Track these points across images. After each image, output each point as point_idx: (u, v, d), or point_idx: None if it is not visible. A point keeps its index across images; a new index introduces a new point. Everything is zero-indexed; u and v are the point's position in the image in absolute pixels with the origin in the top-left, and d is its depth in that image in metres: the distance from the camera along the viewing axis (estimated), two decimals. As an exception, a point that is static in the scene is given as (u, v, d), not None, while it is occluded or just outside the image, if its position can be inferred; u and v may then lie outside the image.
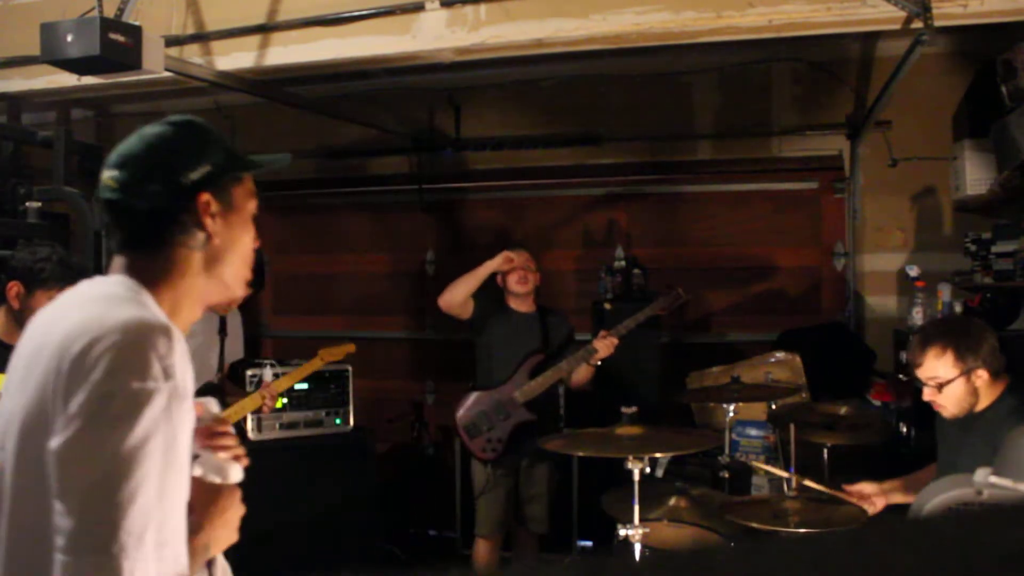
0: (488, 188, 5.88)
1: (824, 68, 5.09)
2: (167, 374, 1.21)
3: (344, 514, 4.33)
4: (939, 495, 1.52)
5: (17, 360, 1.34)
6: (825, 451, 3.40)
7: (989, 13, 3.04)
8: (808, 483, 2.98)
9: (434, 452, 5.64)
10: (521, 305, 4.18)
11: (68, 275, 2.62)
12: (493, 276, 4.16)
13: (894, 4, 3.03)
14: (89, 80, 3.70)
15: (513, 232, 5.85)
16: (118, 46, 3.04)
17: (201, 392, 3.67)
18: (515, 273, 4.11)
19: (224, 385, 3.78)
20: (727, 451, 3.93)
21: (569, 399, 4.95)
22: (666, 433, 3.26)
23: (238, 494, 1.46)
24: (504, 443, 4.04)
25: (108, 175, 1.38)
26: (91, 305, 1.29)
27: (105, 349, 1.18)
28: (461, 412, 4.11)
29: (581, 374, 4.11)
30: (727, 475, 3.82)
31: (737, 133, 5.35)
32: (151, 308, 1.32)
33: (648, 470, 2.97)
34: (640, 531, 2.86)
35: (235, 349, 3.74)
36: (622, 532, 2.88)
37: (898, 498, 2.91)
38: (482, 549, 4.13)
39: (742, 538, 3.02)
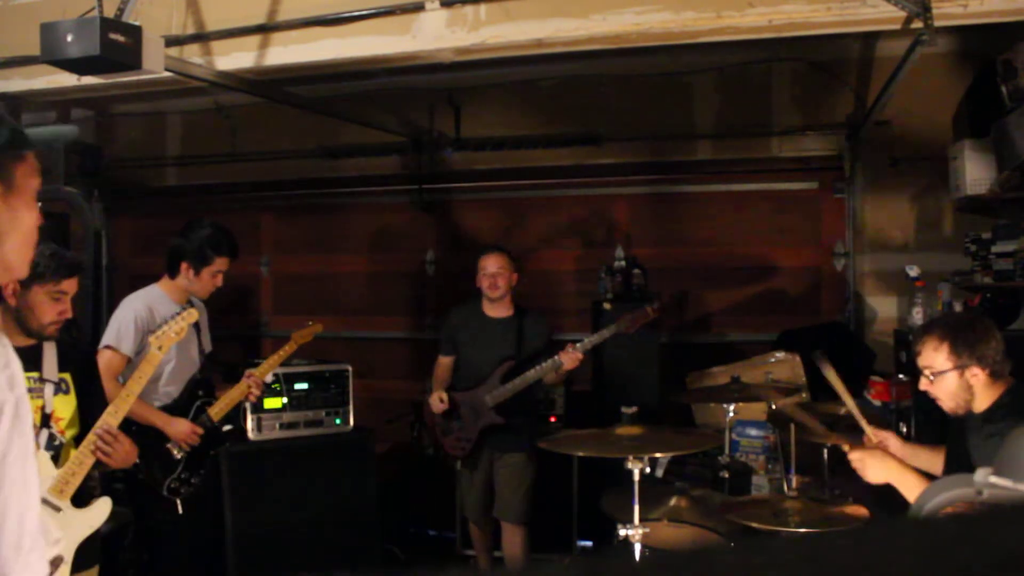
0: (488, 188, 5.88)
1: (824, 68, 5.09)
2: (11, 384, 1.19)
3: (344, 514, 4.33)
4: (939, 495, 1.51)
5: None
6: (825, 451, 3.40)
7: (989, 13, 3.04)
8: (851, 406, 2.89)
9: (434, 452, 5.63)
10: (496, 310, 4.28)
11: (63, 268, 2.62)
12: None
13: (894, 4, 3.03)
14: (89, 80, 3.70)
15: (513, 232, 5.85)
16: (118, 46, 3.04)
17: (190, 387, 3.68)
18: (484, 279, 4.21)
19: (213, 378, 3.78)
20: (727, 451, 3.93)
21: (569, 399, 4.97)
22: (666, 433, 3.26)
23: None
24: (473, 442, 4.23)
25: None
26: None
27: None
28: (435, 415, 4.33)
29: (551, 379, 4.26)
30: (727, 475, 3.82)
31: (737, 133, 5.35)
32: None
33: (648, 470, 2.97)
34: (640, 531, 2.86)
35: (206, 342, 3.76)
36: (622, 532, 2.87)
37: (920, 461, 2.80)
38: (474, 533, 4.51)
39: (742, 538, 3.02)
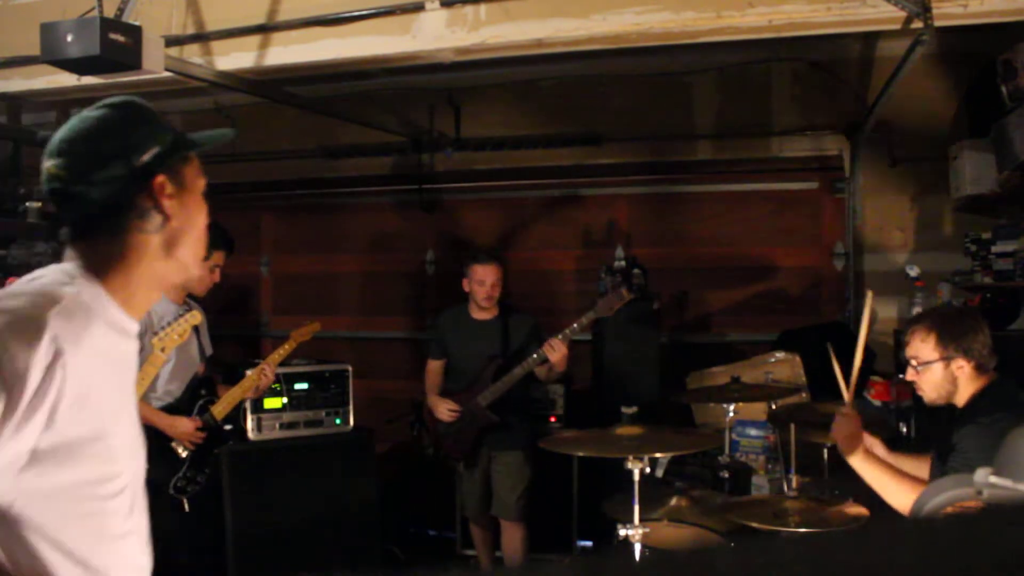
0: (488, 188, 5.88)
1: (824, 68, 5.09)
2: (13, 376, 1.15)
3: (344, 514, 4.33)
4: (939, 495, 1.52)
5: None
6: (825, 451, 3.40)
7: (989, 13, 3.04)
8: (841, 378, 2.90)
9: (434, 452, 5.63)
10: (482, 313, 4.34)
11: None
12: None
13: (894, 4, 3.03)
14: (89, 80, 3.70)
15: (513, 232, 5.85)
16: (118, 46, 3.04)
17: (193, 385, 3.68)
18: (481, 291, 4.24)
19: (213, 377, 3.79)
20: (727, 451, 3.93)
21: (569, 399, 4.97)
22: (666, 433, 3.26)
23: None
24: (470, 443, 4.31)
25: (51, 164, 1.31)
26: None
27: None
28: (433, 417, 4.40)
29: (544, 375, 4.26)
30: (727, 475, 3.82)
31: (737, 133, 5.35)
32: (84, 293, 1.27)
33: (648, 470, 2.97)
34: (640, 531, 2.86)
35: (206, 344, 3.77)
36: (622, 532, 2.87)
37: (904, 465, 2.80)
38: (475, 532, 4.57)
39: (742, 538, 3.02)
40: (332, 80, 4.99)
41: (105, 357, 1.27)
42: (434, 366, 4.46)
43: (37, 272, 1.34)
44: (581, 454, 3.63)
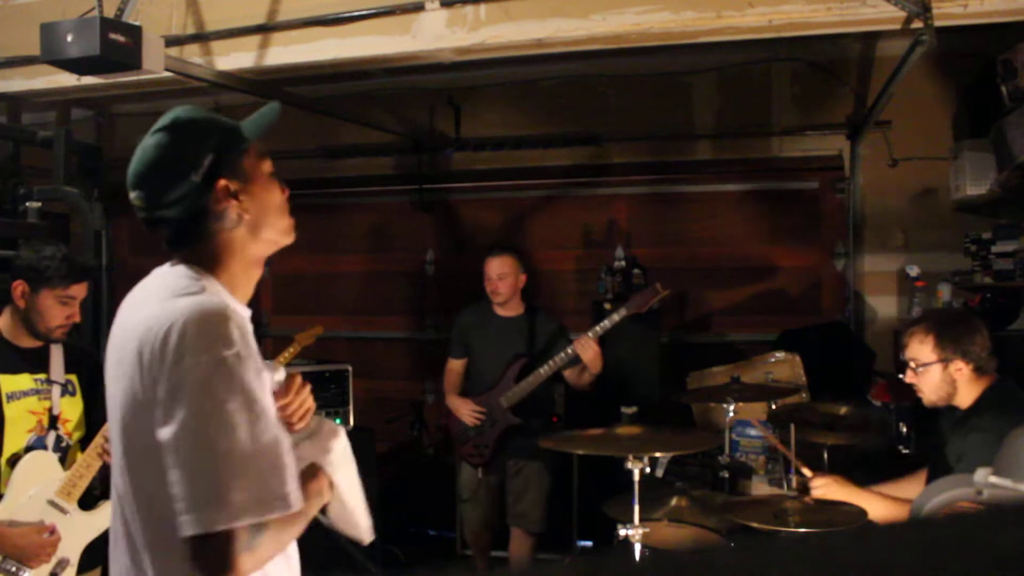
0: (488, 188, 5.88)
1: (824, 68, 5.09)
2: (227, 344, 1.34)
3: (344, 514, 4.32)
4: (939, 495, 1.52)
5: (110, 351, 1.49)
6: (825, 451, 3.39)
7: (989, 13, 3.04)
8: (789, 456, 2.99)
9: (434, 452, 5.64)
10: (505, 310, 4.16)
11: (73, 273, 2.60)
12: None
13: (894, 4, 3.03)
14: (89, 80, 3.70)
15: (513, 232, 5.85)
16: (118, 46, 3.04)
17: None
18: (488, 285, 4.09)
19: None
20: (727, 451, 3.93)
21: (569, 399, 4.96)
22: (666, 433, 3.25)
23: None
24: (491, 448, 4.10)
25: (132, 196, 1.49)
26: (162, 296, 1.42)
27: (176, 335, 1.33)
28: (452, 419, 4.22)
29: (576, 377, 4.06)
30: (727, 475, 3.81)
31: (737, 133, 5.35)
32: (212, 290, 1.45)
33: (648, 470, 2.96)
34: (640, 531, 2.86)
35: None
36: (622, 532, 2.87)
37: (876, 510, 2.82)
38: (475, 541, 4.41)
39: (742, 538, 3.02)
40: (332, 80, 4.99)
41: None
42: (455, 366, 4.27)
43: (157, 272, 1.52)
44: (581, 454, 3.62)
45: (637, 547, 2.87)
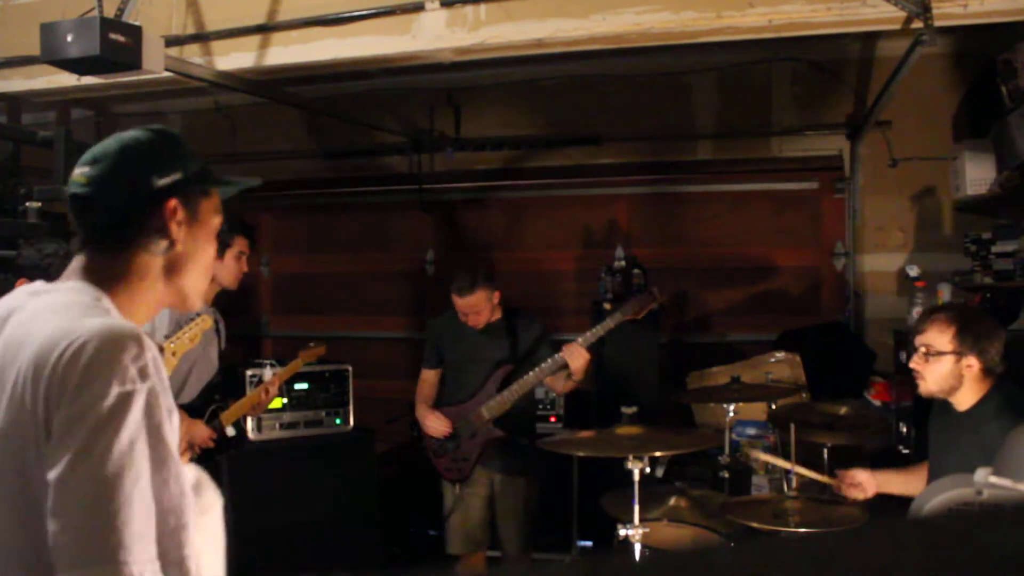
0: (488, 188, 5.88)
1: (824, 68, 5.09)
2: (142, 375, 1.20)
3: (344, 514, 4.33)
4: (939, 495, 1.52)
5: None
6: (825, 451, 3.40)
7: (989, 13, 3.04)
8: (801, 470, 3.00)
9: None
10: None
11: None
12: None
13: (894, 4, 3.03)
14: (89, 80, 3.70)
15: (513, 232, 5.85)
16: (118, 46, 3.04)
17: (207, 390, 3.66)
18: (466, 320, 3.83)
19: (223, 381, 3.78)
20: (727, 451, 3.93)
21: (569, 399, 4.96)
22: (666, 433, 3.25)
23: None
24: (472, 463, 3.88)
25: (79, 171, 1.38)
26: (59, 315, 1.26)
27: (80, 359, 1.17)
28: (426, 431, 3.97)
29: (557, 384, 3.87)
30: (727, 475, 3.82)
31: (737, 133, 5.35)
32: (114, 313, 1.32)
33: (648, 470, 2.96)
34: (640, 531, 2.86)
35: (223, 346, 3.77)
36: (622, 532, 2.87)
37: (893, 487, 2.90)
38: (465, 566, 4.10)
39: (742, 538, 3.02)
40: (332, 80, 4.98)
41: None
42: (428, 376, 4.03)
43: (46, 286, 1.37)
44: (581, 454, 3.62)
45: (637, 547, 2.87)
